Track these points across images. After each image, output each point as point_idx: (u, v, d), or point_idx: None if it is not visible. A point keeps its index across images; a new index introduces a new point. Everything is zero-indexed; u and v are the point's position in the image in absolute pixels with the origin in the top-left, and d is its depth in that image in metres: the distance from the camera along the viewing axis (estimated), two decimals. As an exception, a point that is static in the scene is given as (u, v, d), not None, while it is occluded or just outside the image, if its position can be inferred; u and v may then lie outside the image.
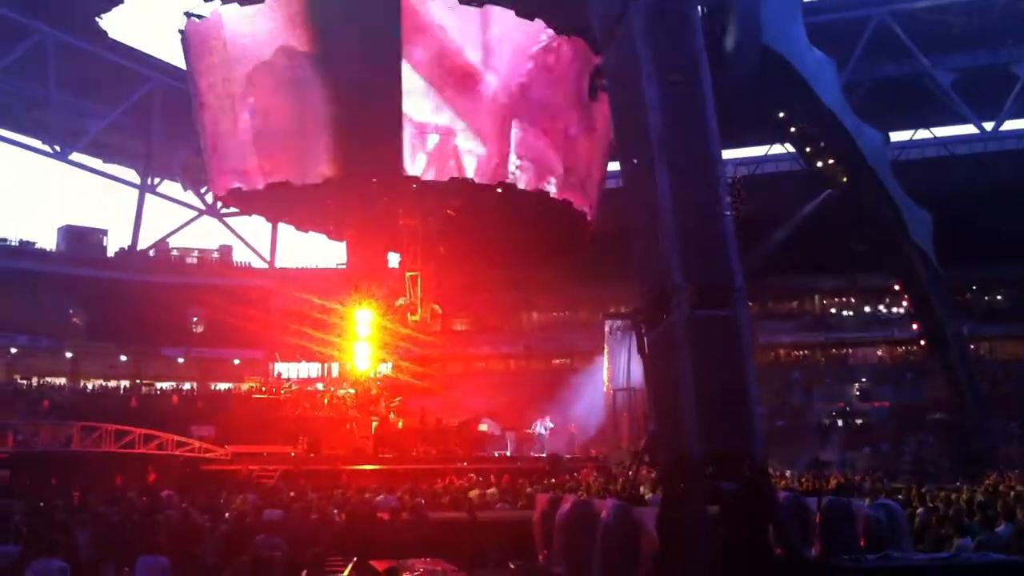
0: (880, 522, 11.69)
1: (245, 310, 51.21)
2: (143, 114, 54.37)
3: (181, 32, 35.06)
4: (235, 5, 32.85)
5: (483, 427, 37.61)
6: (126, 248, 59.70)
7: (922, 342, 39.98)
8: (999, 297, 57.78)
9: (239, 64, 33.10)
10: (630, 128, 12.78)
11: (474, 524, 16.05)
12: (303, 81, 32.47)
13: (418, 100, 32.39)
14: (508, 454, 36.42)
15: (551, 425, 38.62)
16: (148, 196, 60.32)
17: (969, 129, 53.27)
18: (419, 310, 37.98)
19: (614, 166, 37.51)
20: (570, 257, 46.22)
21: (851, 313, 60.50)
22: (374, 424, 36.64)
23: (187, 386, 57.34)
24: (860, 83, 45.04)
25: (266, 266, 62.71)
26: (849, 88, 36.27)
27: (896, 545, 11.40)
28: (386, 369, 41.18)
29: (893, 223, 33.00)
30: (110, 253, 59.63)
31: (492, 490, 22.47)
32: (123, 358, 56.32)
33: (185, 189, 62.64)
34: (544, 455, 35.01)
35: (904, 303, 40.62)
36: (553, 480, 26.09)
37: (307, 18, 32.13)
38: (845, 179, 33.60)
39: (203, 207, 62.34)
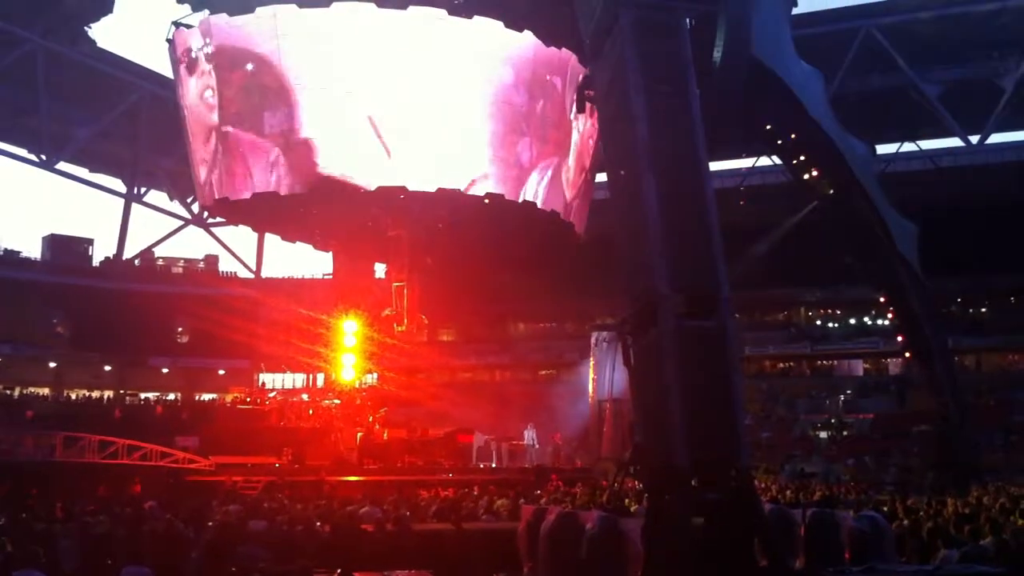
0: (865, 534, 11.69)
1: (231, 320, 51.07)
2: (130, 123, 54.24)
3: (168, 41, 35.00)
4: (223, 15, 32.82)
5: (479, 442, 37.76)
6: (111, 257, 59.59)
7: (907, 354, 40.07)
8: (983, 309, 58.04)
9: (226, 73, 33.06)
10: (618, 139, 12.78)
11: (459, 535, 15.98)
12: (290, 91, 32.47)
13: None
14: (493, 465, 36.41)
15: (534, 434, 38.72)
16: (134, 205, 60.20)
17: (955, 142, 53.55)
18: (405, 320, 37.91)
19: (601, 177, 37.58)
20: (557, 268, 46.29)
21: (836, 324, 60.71)
22: (359, 435, 36.55)
23: (171, 396, 57.18)
24: (847, 95, 45.20)
25: (252, 276, 62.65)
26: (836, 100, 36.33)
27: (881, 557, 11.40)
28: (372, 380, 41.07)
29: (879, 235, 33.09)
30: (95, 262, 59.51)
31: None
32: (107, 368, 56.13)
33: (171, 199, 62.52)
34: (528, 466, 35.01)
35: (889, 315, 40.72)
36: (538, 491, 26.02)
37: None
38: (831, 191, 33.66)
39: (189, 217, 62.21)
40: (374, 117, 32.32)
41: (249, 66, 32.78)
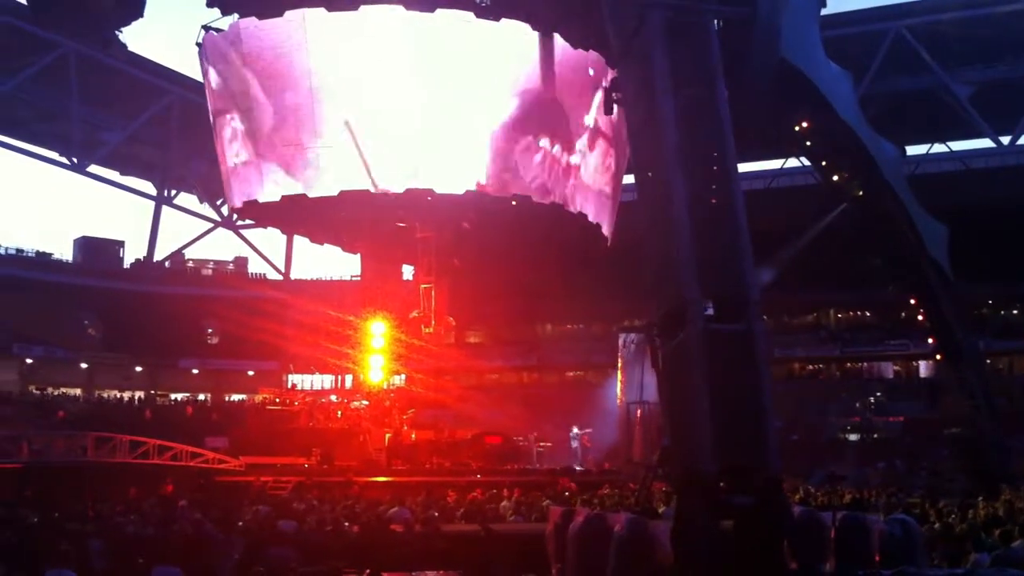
0: (895, 537, 11.59)
1: (260, 322, 51.38)
2: (160, 126, 54.76)
3: (199, 45, 35.22)
4: (253, 19, 32.99)
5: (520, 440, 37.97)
6: (142, 259, 60.12)
7: (937, 357, 39.74)
8: (1015, 312, 57.48)
9: (256, 77, 33.24)
10: (645, 141, 12.76)
11: (488, 537, 16.01)
12: (318, 93, 32.61)
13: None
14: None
15: (580, 433, 38.89)
16: (164, 208, 60.69)
17: (986, 143, 53.16)
18: (433, 322, 37.99)
19: (629, 179, 37.52)
20: (584, 270, 46.22)
21: (866, 327, 60.26)
22: (387, 436, 36.68)
23: (201, 397, 57.58)
24: (877, 96, 44.95)
25: (281, 278, 63.06)
26: (866, 101, 36.11)
27: (911, 561, 11.30)
28: (400, 381, 41.20)
29: (909, 237, 32.82)
30: (126, 264, 60.09)
31: (505, 503, 22.41)
32: (138, 369, 56.56)
33: (201, 201, 63.02)
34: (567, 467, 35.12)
35: (919, 318, 40.35)
36: (567, 493, 26.04)
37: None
38: (861, 193, 33.37)
39: (219, 219, 62.65)
40: (402, 119, 32.41)
41: (278, 69, 32.95)
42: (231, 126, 34.79)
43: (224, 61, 34.19)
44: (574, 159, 35.38)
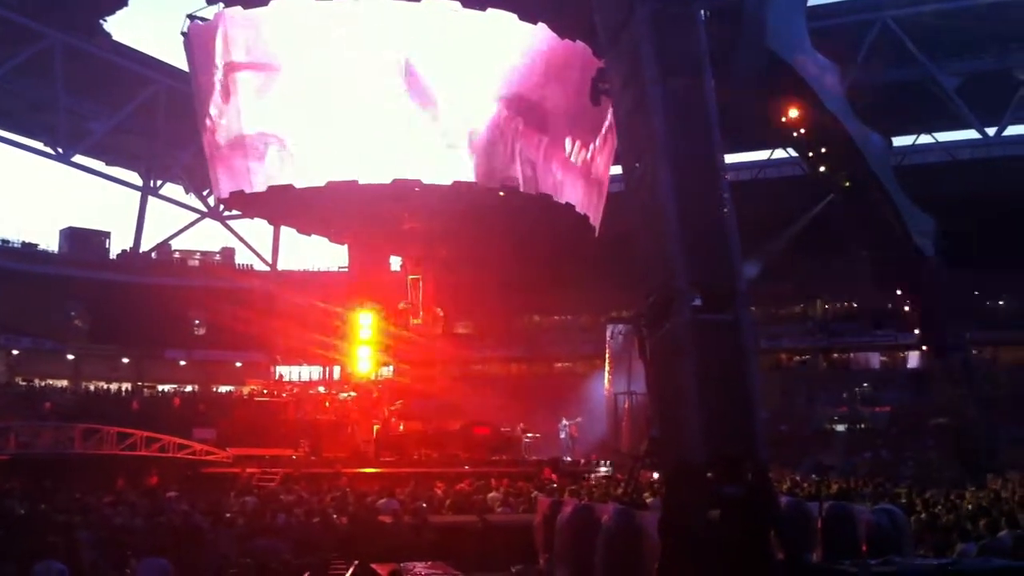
0: (882, 527, 11.63)
1: (247, 313, 51.28)
2: (146, 116, 54.44)
3: (184, 34, 35.08)
4: (238, 8, 32.86)
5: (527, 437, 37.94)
6: (128, 250, 59.86)
7: (923, 347, 39.92)
8: (1001, 302, 57.69)
9: (241, 66, 33.10)
10: (633, 132, 12.73)
11: (476, 527, 16.03)
12: (304, 83, 32.50)
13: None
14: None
15: (568, 424, 38.88)
16: (150, 198, 60.41)
17: (972, 134, 53.30)
18: (421, 313, 37.98)
19: (616, 170, 37.54)
20: (572, 261, 46.24)
21: (853, 317, 60.41)
22: (375, 427, 36.66)
23: (189, 388, 57.45)
24: (863, 87, 45.02)
25: (268, 269, 62.85)
26: (852, 92, 36.15)
27: (898, 550, 11.33)
28: (388, 372, 41.16)
29: (896, 228, 32.98)
30: (112, 255, 59.89)
31: (493, 494, 22.44)
32: (125, 360, 56.41)
33: (187, 192, 62.79)
34: (545, 459, 35.09)
35: (906, 308, 40.51)
36: (555, 484, 26.09)
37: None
38: (848, 184, 33.54)
39: (205, 210, 62.45)
40: (389, 109, 32.35)
41: (263, 59, 32.83)
42: (216, 116, 34.66)
43: (209, 50, 34.03)
44: (562, 149, 35.36)
